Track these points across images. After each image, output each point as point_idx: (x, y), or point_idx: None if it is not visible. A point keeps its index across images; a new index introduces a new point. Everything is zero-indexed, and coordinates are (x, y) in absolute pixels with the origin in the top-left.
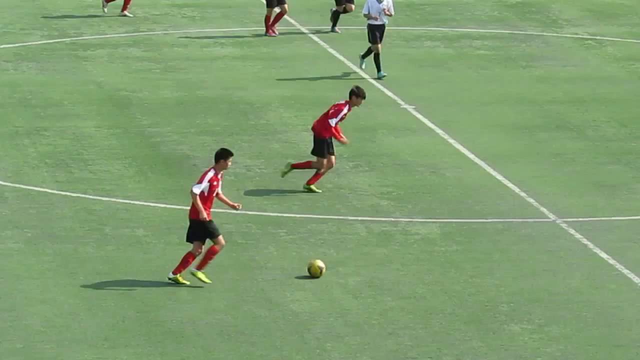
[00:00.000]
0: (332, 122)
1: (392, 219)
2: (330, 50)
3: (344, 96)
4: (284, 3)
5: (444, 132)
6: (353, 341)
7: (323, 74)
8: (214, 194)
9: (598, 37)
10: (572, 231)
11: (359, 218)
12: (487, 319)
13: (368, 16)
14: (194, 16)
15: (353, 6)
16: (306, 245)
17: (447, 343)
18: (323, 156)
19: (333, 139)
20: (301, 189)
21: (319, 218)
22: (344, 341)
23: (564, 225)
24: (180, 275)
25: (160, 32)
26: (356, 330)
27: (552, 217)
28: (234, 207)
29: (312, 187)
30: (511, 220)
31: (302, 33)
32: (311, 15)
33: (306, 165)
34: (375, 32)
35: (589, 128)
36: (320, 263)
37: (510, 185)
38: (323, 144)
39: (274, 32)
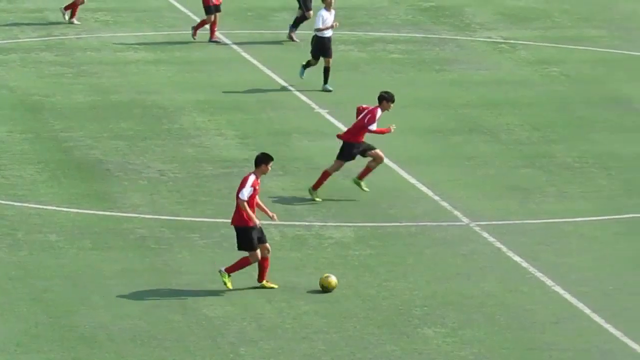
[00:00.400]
0: (373, 127)
1: (306, 223)
2: (244, 54)
3: (259, 99)
4: (219, 11)
5: None
6: (267, 345)
7: (237, 78)
8: (255, 200)
9: (511, 41)
10: (485, 234)
11: (273, 222)
12: (401, 323)
13: (326, 29)
14: (107, 20)
15: (311, 12)
16: (220, 249)
17: (361, 347)
18: (347, 159)
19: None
20: (215, 192)
21: None
22: (258, 345)
23: (477, 229)
24: (266, 281)
25: (73, 37)
26: (270, 334)
27: (465, 220)
28: (270, 216)
29: (363, 185)
30: (425, 223)
31: (216, 36)
32: (225, 19)
33: (324, 178)
34: (321, 45)
35: (502, 131)
36: (333, 279)
37: (424, 188)
38: (352, 148)
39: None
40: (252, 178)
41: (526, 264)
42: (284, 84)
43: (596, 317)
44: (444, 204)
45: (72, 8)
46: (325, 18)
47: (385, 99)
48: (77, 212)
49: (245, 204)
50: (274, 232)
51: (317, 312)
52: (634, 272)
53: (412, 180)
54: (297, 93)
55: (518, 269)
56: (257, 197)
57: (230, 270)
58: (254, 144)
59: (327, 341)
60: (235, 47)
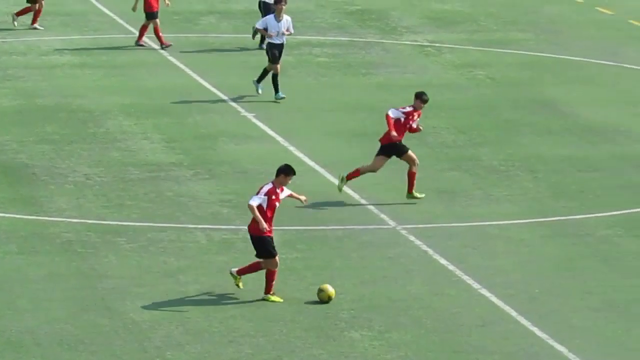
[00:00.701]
0: (414, 124)
1: (233, 227)
2: (170, 58)
3: (185, 103)
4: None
5: (284, 140)
6: (193, 349)
7: (163, 82)
8: (274, 210)
9: (437, 44)
10: (412, 238)
11: (200, 226)
12: (328, 326)
13: (263, 33)
14: None
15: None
16: (146, 253)
17: (288, 350)
18: (403, 154)
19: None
20: (141, 196)
21: (159, 226)
22: (185, 349)
23: (404, 232)
24: (272, 294)
25: None
26: (197, 338)
27: (392, 223)
28: (302, 200)
29: (415, 193)
30: (352, 227)
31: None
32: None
33: (357, 173)
34: (275, 51)
35: (429, 135)
36: (330, 290)
37: (350, 192)
38: (397, 148)
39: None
40: (267, 186)
41: (452, 267)
42: (210, 87)
43: (522, 320)
44: (371, 207)
45: (24, 13)
46: (272, 25)
47: (418, 97)
48: (3, 217)
49: (255, 209)
50: (200, 236)
51: (244, 315)
52: (559, 274)
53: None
54: (224, 97)
55: (444, 272)
56: (276, 206)
57: (240, 272)
58: (180, 148)
59: (253, 345)
60: (161, 50)
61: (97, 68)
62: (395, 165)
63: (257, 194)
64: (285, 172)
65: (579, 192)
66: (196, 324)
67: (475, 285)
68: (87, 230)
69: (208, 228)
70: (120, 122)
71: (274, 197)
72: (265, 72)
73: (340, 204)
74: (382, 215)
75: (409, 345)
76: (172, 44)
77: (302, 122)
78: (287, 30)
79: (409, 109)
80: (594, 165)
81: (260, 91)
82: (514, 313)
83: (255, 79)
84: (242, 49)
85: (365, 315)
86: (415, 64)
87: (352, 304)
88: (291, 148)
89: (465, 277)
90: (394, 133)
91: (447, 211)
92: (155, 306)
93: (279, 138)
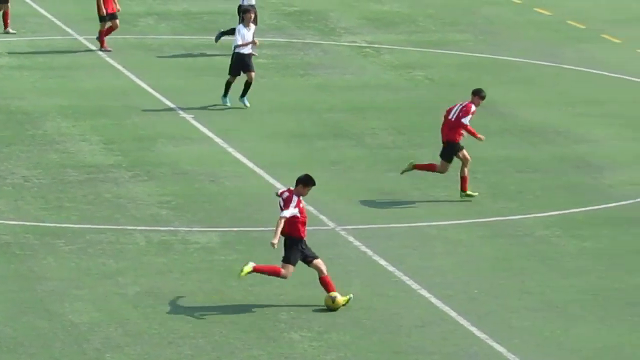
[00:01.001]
0: (466, 120)
1: (172, 228)
2: (108, 59)
3: (123, 105)
4: (116, 18)
5: (223, 141)
6: (132, 351)
7: (101, 84)
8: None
9: (376, 45)
10: (351, 238)
11: (138, 228)
12: (267, 327)
13: (239, 45)
14: None
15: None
16: (85, 255)
17: (228, 352)
18: (450, 160)
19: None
20: (80, 198)
21: (98, 228)
22: (124, 351)
23: (343, 233)
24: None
25: None
26: (136, 339)
27: (331, 224)
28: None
29: (469, 192)
30: None
31: (80, 42)
32: (89, 24)
33: (429, 168)
34: (245, 60)
35: (368, 136)
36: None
37: None
38: (453, 148)
39: (107, 47)
40: (295, 198)
41: (392, 267)
42: (148, 89)
43: (461, 320)
44: (310, 208)
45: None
46: (243, 34)
47: (476, 93)
48: None
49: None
50: (139, 237)
51: (184, 317)
52: (498, 275)
53: (278, 185)
54: (162, 98)
55: (384, 272)
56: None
57: (257, 269)
58: (118, 150)
59: (193, 346)
60: (100, 52)
61: (35, 70)
62: (334, 167)
63: (287, 206)
64: (305, 182)
65: (518, 193)
66: (135, 325)
67: (415, 286)
68: (25, 232)
69: (147, 230)
70: (59, 124)
71: (302, 205)
72: (228, 85)
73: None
74: (322, 217)
75: (348, 346)
76: (112, 49)
77: (240, 123)
78: (255, 39)
79: (474, 108)
80: (533, 166)
81: (229, 104)
82: (453, 313)
83: (222, 94)
84: (180, 51)
85: (304, 316)
86: (353, 65)
87: (292, 305)
88: (230, 149)
89: (404, 278)
90: (480, 136)
91: (386, 212)
92: (94, 308)
93: (217, 139)
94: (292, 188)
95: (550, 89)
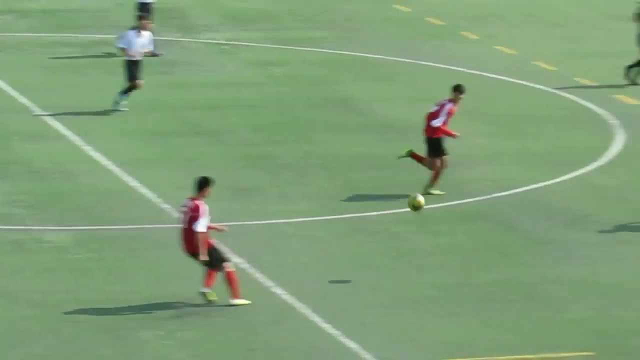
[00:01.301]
0: (437, 122)
1: (24, 227)
2: None
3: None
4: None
5: (79, 139)
6: None
7: None
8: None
9: (235, 42)
10: None
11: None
12: (118, 327)
13: (125, 52)
14: None
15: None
16: None
17: (78, 351)
18: (437, 156)
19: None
20: None
21: None
22: None
23: None
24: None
25: None
26: None
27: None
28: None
29: (432, 190)
30: (146, 226)
31: None
32: None
33: (421, 160)
34: (133, 68)
35: (226, 133)
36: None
37: (145, 191)
38: (436, 144)
39: None
40: (204, 206)
41: (246, 264)
42: (4, 86)
43: (315, 317)
44: (165, 206)
45: None
46: (130, 40)
47: (455, 89)
48: None
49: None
50: None
51: (35, 316)
52: (353, 272)
53: (133, 183)
54: (18, 96)
55: (238, 270)
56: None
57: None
58: None
59: (44, 346)
60: None
61: None
62: (191, 164)
63: (201, 216)
64: (208, 182)
65: (374, 190)
66: None
67: (269, 283)
68: None
69: (1, 229)
70: None
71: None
72: (130, 87)
73: (134, 203)
74: (176, 215)
75: (201, 343)
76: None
77: (97, 121)
78: (147, 48)
79: (449, 106)
80: (390, 163)
81: (125, 104)
82: (306, 310)
83: (120, 99)
84: (38, 48)
85: (156, 314)
86: (212, 62)
87: (144, 304)
88: (86, 147)
89: (258, 275)
90: (455, 133)
91: (242, 209)
92: None
93: (74, 137)
94: (193, 196)
95: (408, 86)
